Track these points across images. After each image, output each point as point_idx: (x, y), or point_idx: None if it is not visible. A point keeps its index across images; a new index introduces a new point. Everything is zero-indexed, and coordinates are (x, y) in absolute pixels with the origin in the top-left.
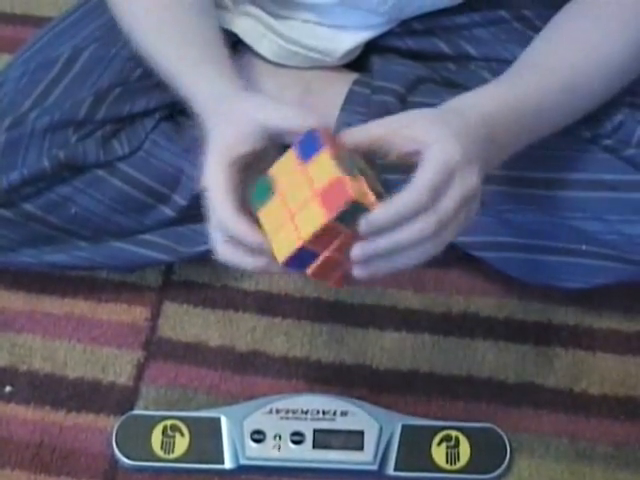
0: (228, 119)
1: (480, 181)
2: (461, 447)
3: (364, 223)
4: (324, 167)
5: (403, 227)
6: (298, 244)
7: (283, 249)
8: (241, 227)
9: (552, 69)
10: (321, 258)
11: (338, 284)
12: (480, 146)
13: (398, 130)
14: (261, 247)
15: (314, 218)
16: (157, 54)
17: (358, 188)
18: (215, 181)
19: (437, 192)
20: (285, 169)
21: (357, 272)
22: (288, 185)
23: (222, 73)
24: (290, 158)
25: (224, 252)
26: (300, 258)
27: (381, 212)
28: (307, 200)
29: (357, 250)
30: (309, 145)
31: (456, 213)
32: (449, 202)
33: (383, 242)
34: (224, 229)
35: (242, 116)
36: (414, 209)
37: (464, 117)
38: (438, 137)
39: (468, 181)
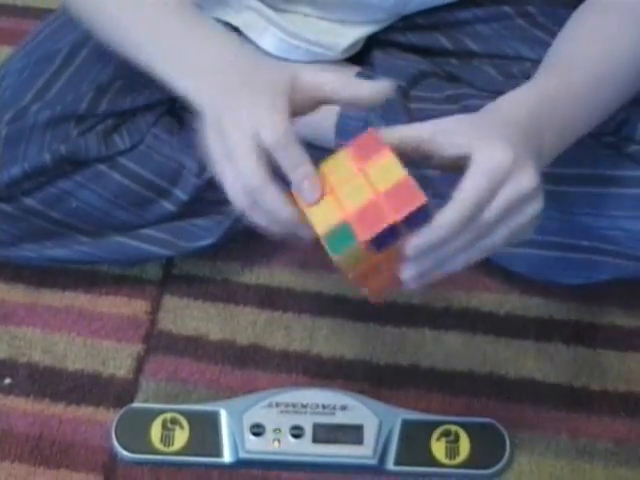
0: (278, 67)
1: (537, 179)
2: (461, 442)
3: (410, 248)
4: (388, 168)
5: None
6: (362, 238)
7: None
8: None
9: (586, 55)
10: (371, 265)
11: (376, 292)
12: (531, 143)
13: (444, 133)
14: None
15: (379, 217)
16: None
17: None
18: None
19: (482, 204)
20: (338, 166)
21: (406, 279)
22: (342, 183)
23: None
24: (344, 156)
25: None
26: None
27: (426, 236)
28: (369, 199)
29: (411, 252)
30: (367, 145)
31: (503, 219)
32: (493, 211)
33: (429, 261)
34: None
35: (284, 71)
36: (459, 226)
37: (511, 118)
38: (485, 142)
39: (519, 186)
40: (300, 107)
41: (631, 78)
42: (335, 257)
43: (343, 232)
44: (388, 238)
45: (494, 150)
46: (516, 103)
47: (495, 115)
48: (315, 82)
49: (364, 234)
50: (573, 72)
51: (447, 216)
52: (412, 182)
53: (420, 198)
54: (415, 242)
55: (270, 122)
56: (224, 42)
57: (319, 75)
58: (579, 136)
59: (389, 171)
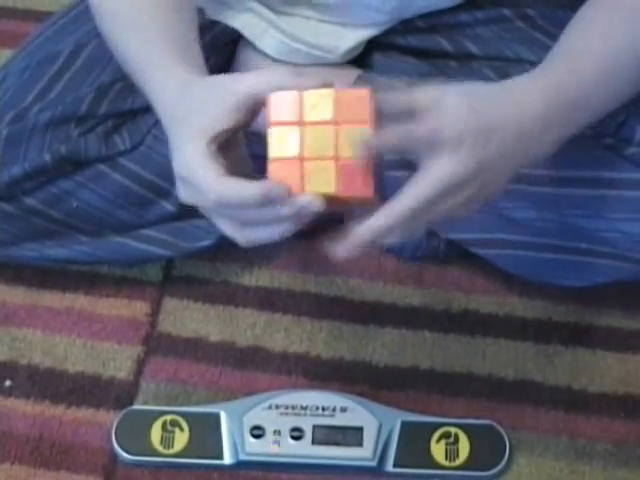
0: (203, 99)
1: (488, 191)
2: (460, 444)
3: (362, 231)
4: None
5: None
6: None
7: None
8: (235, 188)
9: (586, 60)
10: None
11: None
12: (509, 150)
13: (436, 103)
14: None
15: (323, 183)
16: (127, 48)
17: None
18: (197, 163)
19: (433, 205)
20: (319, 105)
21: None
22: (312, 127)
23: (189, 63)
24: (328, 100)
25: (239, 235)
26: None
27: (378, 221)
28: (326, 158)
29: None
30: (353, 108)
31: (444, 213)
32: (441, 210)
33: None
34: (225, 202)
35: (219, 90)
36: (406, 217)
37: (506, 110)
38: (457, 140)
39: (469, 193)
40: (242, 122)
41: (635, 74)
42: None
43: None
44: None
45: (460, 159)
46: (528, 99)
47: (502, 99)
48: (255, 89)
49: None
50: (581, 65)
51: (395, 209)
52: (370, 165)
53: (366, 192)
54: (367, 226)
55: (193, 172)
56: (174, 77)
57: (257, 81)
58: (582, 128)
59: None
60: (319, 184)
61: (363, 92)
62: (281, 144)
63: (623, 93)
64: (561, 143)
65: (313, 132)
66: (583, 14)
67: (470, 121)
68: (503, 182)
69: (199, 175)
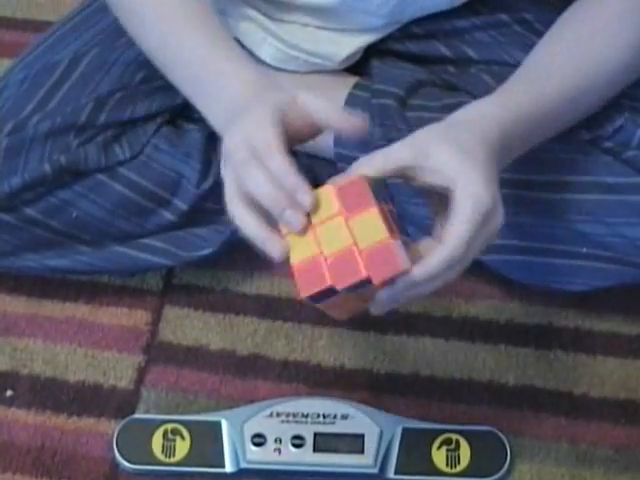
0: (274, 88)
1: (503, 209)
2: (461, 450)
3: (402, 285)
4: (373, 226)
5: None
6: (325, 285)
7: (308, 284)
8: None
9: (559, 71)
10: (339, 299)
11: (342, 316)
12: (499, 166)
13: (424, 160)
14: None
15: (353, 272)
16: (179, 46)
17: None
18: (271, 124)
19: (467, 249)
20: (322, 207)
21: (374, 310)
22: (323, 222)
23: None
24: (329, 197)
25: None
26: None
27: (418, 274)
28: (349, 251)
29: (383, 296)
30: (355, 195)
31: (481, 249)
32: (477, 249)
33: (411, 292)
34: (282, 174)
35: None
36: (449, 265)
37: (487, 140)
38: (468, 178)
39: (496, 224)
40: (295, 130)
41: (613, 80)
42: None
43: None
44: (359, 287)
45: (478, 190)
46: (490, 121)
47: (473, 134)
48: (308, 106)
49: (336, 283)
50: (548, 84)
51: (440, 254)
52: (394, 246)
53: (399, 265)
54: (408, 279)
55: (261, 130)
56: (236, 73)
57: (312, 101)
58: (541, 142)
59: (373, 229)
60: (347, 276)
61: (358, 179)
62: (299, 249)
63: (592, 107)
64: (532, 147)
65: (324, 230)
66: (553, 31)
67: (473, 165)
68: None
69: (270, 136)
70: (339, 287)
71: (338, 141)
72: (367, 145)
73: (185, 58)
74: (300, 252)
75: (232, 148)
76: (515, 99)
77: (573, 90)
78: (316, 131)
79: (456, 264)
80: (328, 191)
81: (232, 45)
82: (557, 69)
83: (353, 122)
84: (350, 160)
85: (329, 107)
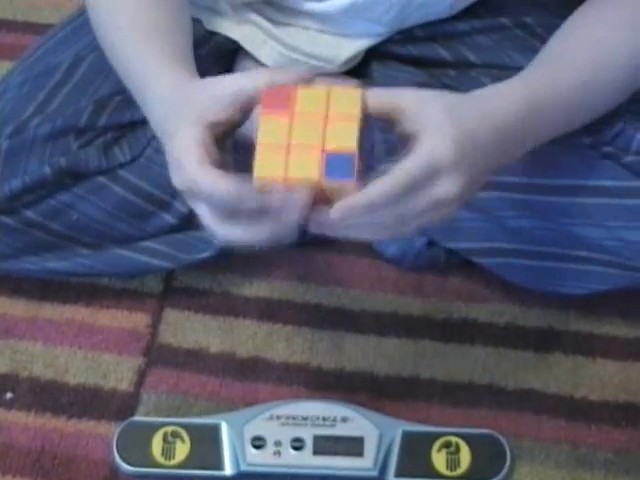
0: (198, 92)
1: (461, 191)
2: (461, 453)
3: (336, 210)
4: (345, 129)
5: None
6: (278, 178)
7: (264, 171)
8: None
9: (568, 68)
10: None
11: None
12: (480, 155)
13: (410, 105)
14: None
15: (307, 169)
16: (125, 54)
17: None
18: (186, 145)
19: (412, 188)
20: (311, 100)
21: (312, 228)
22: (302, 116)
23: (181, 62)
24: (320, 97)
25: (219, 228)
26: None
27: (355, 200)
28: (312, 146)
29: (316, 215)
30: (344, 105)
31: (422, 213)
32: (419, 202)
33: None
34: (196, 191)
35: (214, 86)
36: (385, 201)
37: (481, 118)
38: (437, 131)
39: (446, 188)
40: (227, 120)
41: (623, 82)
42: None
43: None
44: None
45: (442, 144)
46: (505, 107)
47: (476, 107)
48: (235, 88)
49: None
50: (563, 73)
51: (378, 187)
52: (354, 157)
53: (350, 180)
54: (343, 205)
55: (184, 159)
56: (159, 75)
57: (237, 81)
58: (556, 136)
59: (345, 136)
60: (302, 171)
61: (356, 92)
62: (270, 131)
63: (606, 103)
64: (538, 145)
65: (302, 122)
66: (571, 23)
67: (452, 125)
68: (481, 181)
69: (185, 158)
70: (288, 179)
71: None
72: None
73: (127, 65)
74: (269, 136)
75: (177, 186)
76: (530, 82)
77: (593, 78)
78: (247, 108)
79: (390, 206)
80: (322, 91)
81: (168, 50)
82: (565, 63)
83: (282, 74)
84: None
85: (252, 77)
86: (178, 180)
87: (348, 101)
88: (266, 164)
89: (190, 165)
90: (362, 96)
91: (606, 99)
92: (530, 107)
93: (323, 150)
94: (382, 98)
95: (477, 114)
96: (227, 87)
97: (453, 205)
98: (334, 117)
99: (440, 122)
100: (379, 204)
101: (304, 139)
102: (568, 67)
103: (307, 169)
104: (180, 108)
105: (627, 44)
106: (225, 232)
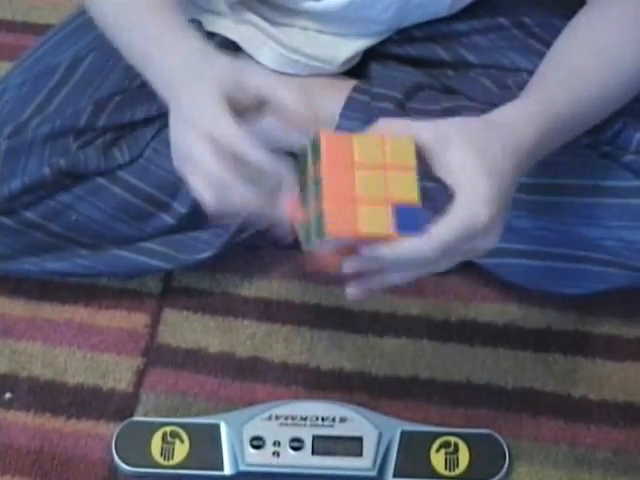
0: (224, 62)
1: (500, 234)
2: (460, 453)
3: (367, 250)
4: (406, 180)
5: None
6: (354, 233)
7: (336, 227)
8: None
9: (582, 84)
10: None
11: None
12: (509, 186)
13: (441, 149)
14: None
15: (379, 224)
16: (123, 27)
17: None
18: (210, 95)
19: (448, 251)
20: (369, 149)
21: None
22: (364, 171)
23: (193, 34)
24: (378, 146)
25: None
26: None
27: (388, 250)
28: (378, 199)
29: (350, 264)
30: (399, 154)
31: (456, 261)
32: (454, 260)
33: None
34: (238, 149)
35: (242, 66)
36: (421, 259)
37: (519, 150)
38: (473, 190)
39: (485, 242)
40: (244, 103)
41: (632, 83)
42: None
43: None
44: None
45: (478, 207)
46: (525, 131)
47: (504, 144)
48: (256, 83)
49: (363, 229)
50: (578, 92)
51: (416, 244)
52: (420, 212)
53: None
54: (377, 250)
55: (218, 121)
56: (181, 43)
57: (259, 78)
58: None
59: (406, 188)
60: (373, 225)
61: (409, 141)
62: (334, 183)
63: (616, 105)
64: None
65: (364, 175)
66: (575, 27)
67: (487, 179)
68: (509, 204)
69: (219, 116)
70: (361, 233)
71: None
72: None
73: (135, 34)
74: (334, 189)
75: (179, 145)
76: (552, 98)
77: (606, 85)
78: (260, 102)
79: (425, 264)
80: (377, 139)
81: (180, 20)
82: (583, 75)
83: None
84: None
85: (274, 82)
86: (183, 136)
87: (403, 148)
88: (336, 219)
89: (210, 108)
90: (413, 142)
91: (616, 103)
92: (551, 126)
93: (391, 203)
94: (425, 134)
95: (501, 147)
96: (254, 77)
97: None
98: (393, 167)
99: (476, 181)
100: (411, 258)
101: (369, 192)
102: (582, 83)
103: (379, 224)
104: (203, 66)
105: (632, 44)
106: (217, 199)
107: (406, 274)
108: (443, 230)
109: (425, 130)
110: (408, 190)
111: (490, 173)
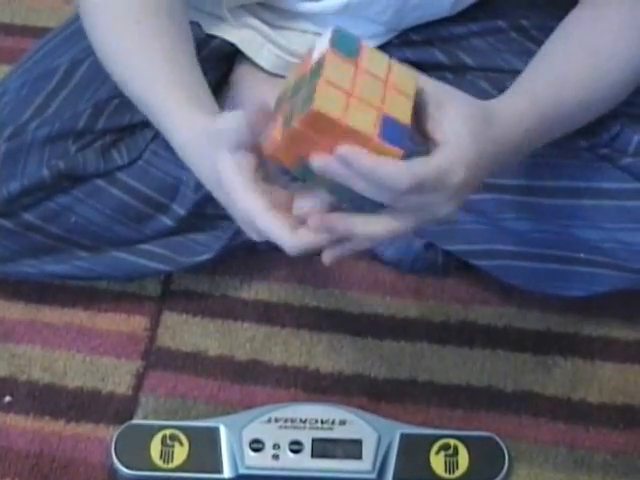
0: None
1: (459, 207)
2: (460, 456)
3: (348, 148)
4: (402, 103)
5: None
6: (334, 119)
7: (323, 106)
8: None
9: (571, 84)
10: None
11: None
12: (483, 171)
13: (436, 106)
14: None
15: (364, 124)
16: (128, 76)
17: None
18: (249, 200)
19: (416, 189)
20: (375, 62)
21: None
22: (367, 75)
23: (193, 97)
24: (383, 64)
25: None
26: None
27: (363, 157)
28: (372, 105)
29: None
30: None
31: (417, 215)
32: (417, 216)
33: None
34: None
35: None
36: (391, 187)
37: (494, 140)
38: (456, 150)
39: (446, 208)
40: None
41: (624, 83)
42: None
43: None
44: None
45: (458, 161)
46: (516, 129)
47: (494, 129)
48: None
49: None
50: (567, 92)
51: (385, 167)
52: (407, 130)
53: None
54: (353, 148)
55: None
56: (182, 120)
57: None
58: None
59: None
60: (360, 123)
61: (413, 73)
62: (334, 71)
63: (607, 106)
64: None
65: (365, 79)
66: (568, 25)
67: (470, 150)
68: (477, 185)
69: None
70: (345, 125)
71: None
72: None
73: (144, 94)
74: (333, 77)
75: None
76: (540, 99)
77: (593, 91)
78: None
79: (390, 198)
80: (384, 59)
81: (188, 88)
82: (573, 75)
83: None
84: None
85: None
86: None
87: (406, 78)
88: (326, 101)
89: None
90: (417, 79)
91: (607, 103)
92: (537, 126)
93: (382, 112)
94: (428, 87)
95: (492, 135)
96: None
97: (451, 216)
98: (392, 87)
99: (461, 142)
100: (383, 182)
101: (365, 95)
102: (570, 85)
103: (364, 123)
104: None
105: (625, 47)
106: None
107: (380, 226)
108: (420, 166)
109: (429, 83)
110: (402, 110)
111: (476, 144)
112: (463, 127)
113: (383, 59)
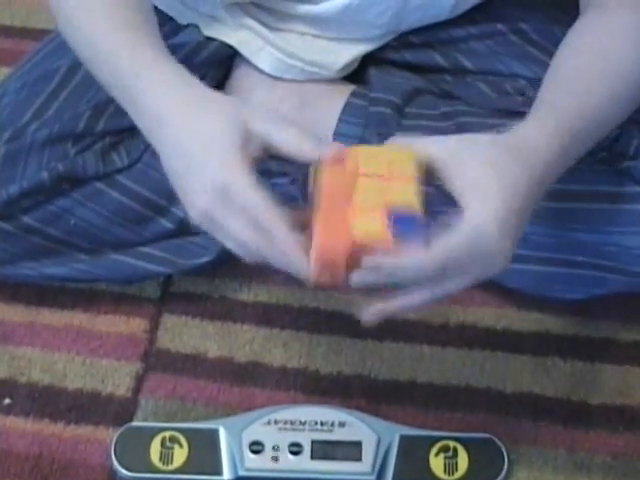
0: (221, 118)
1: (510, 258)
2: (459, 458)
3: (370, 260)
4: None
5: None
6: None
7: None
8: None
9: (590, 97)
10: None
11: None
12: (524, 208)
13: (453, 166)
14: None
15: (376, 230)
16: (105, 56)
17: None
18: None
19: (450, 269)
20: (372, 162)
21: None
22: (366, 178)
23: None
24: (381, 158)
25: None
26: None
27: (387, 259)
28: (377, 209)
29: (356, 276)
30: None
31: (459, 288)
32: (462, 281)
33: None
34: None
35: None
36: (422, 274)
37: (521, 171)
38: (482, 206)
39: (493, 267)
40: (253, 153)
41: (635, 94)
42: None
43: None
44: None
45: (487, 220)
46: (540, 149)
47: (515, 158)
48: (264, 132)
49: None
50: (588, 108)
51: (415, 258)
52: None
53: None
54: (378, 259)
55: (233, 183)
56: (173, 84)
57: (268, 126)
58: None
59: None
60: (369, 233)
61: (410, 153)
62: (366, 194)
63: (627, 112)
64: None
65: (361, 182)
66: (578, 34)
67: (497, 194)
68: (522, 225)
69: (241, 183)
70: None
71: None
72: None
73: (110, 67)
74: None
75: (199, 204)
76: (565, 115)
77: (609, 100)
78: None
79: (427, 281)
80: (381, 152)
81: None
82: (591, 87)
83: (324, 150)
84: None
85: (297, 139)
86: (199, 197)
87: (403, 159)
88: (368, 227)
89: (228, 169)
90: (415, 155)
91: (625, 112)
92: (564, 146)
93: (387, 209)
94: (432, 151)
95: (518, 167)
96: (257, 123)
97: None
98: (392, 177)
99: (485, 194)
100: (409, 273)
101: (367, 200)
102: (591, 95)
103: (374, 229)
104: (210, 124)
105: (635, 45)
106: (249, 257)
107: (417, 296)
108: (445, 244)
109: (438, 144)
110: (408, 198)
111: (504, 192)
112: (487, 180)
113: (375, 152)
